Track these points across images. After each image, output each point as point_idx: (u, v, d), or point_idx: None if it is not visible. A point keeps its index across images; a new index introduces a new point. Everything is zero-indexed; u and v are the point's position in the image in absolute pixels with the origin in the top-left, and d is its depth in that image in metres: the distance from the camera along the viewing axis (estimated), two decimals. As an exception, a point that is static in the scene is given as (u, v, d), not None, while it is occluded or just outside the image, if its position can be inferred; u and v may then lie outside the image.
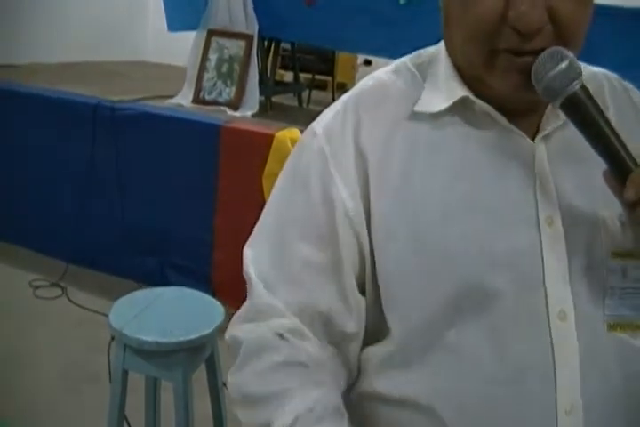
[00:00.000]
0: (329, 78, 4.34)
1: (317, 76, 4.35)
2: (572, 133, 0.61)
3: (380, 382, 0.64)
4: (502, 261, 0.61)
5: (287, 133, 2.41)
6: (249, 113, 2.83)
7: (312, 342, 0.63)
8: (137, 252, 2.69)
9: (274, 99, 3.14)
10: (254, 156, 2.44)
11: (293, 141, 2.38)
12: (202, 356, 1.46)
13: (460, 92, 0.65)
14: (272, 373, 0.61)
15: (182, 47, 3.11)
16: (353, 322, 0.65)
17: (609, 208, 0.62)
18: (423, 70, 0.71)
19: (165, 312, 1.46)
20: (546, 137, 0.65)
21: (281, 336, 0.62)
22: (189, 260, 2.63)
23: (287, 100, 3.49)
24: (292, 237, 0.67)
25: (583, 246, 0.63)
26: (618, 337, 0.61)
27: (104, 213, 2.75)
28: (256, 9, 2.76)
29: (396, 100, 0.69)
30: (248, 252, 0.71)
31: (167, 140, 2.58)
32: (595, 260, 0.62)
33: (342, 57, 4.19)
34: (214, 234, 2.60)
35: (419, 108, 0.67)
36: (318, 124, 0.71)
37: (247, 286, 0.70)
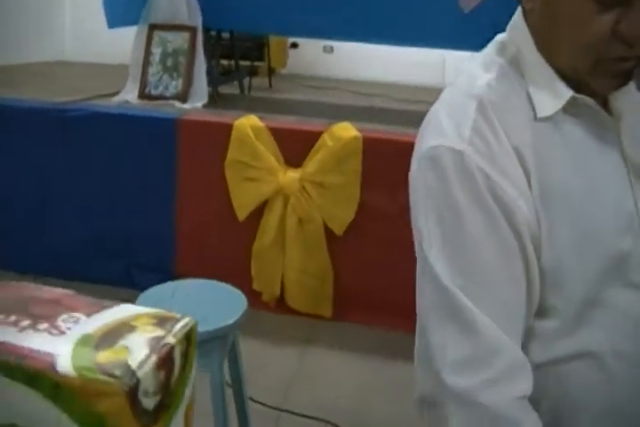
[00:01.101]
0: (263, 64, 4.45)
1: (244, 62, 4.46)
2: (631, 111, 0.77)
3: (553, 350, 0.75)
4: (628, 229, 0.75)
5: (246, 121, 2.50)
6: (199, 104, 2.90)
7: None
8: (101, 256, 2.73)
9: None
10: (214, 146, 2.53)
11: (253, 128, 2.48)
12: (227, 346, 1.53)
13: (567, 92, 0.75)
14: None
15: (102, 44, 3.12)
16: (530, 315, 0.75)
17: None
18: (515, 67, 0.79)
19: (190, 303, 1.53)
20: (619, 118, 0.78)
21: (520, 404, 0.70)
22: (153, 257, 2.69)
23: (229, 88, 3.56)
24: (482, 254, 0.72)
25: None
26: None
27: (62, 220, 2.77)
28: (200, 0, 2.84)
29: (516, 103, 0.77)
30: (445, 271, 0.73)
31: (122, 138, 2.62)
32: None
33: (273, 42, 4.29)
34: (177, 229, 2.68)
35: (541, 113, 0.75)
36: (455, 140, 0.73)
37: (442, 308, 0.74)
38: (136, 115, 2.64)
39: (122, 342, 0.34)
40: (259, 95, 3.61)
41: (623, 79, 0.73)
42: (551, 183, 0.73)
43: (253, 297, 2.59)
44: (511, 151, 0.73)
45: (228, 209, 2.55)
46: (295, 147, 2.52)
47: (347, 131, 2.49)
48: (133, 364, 0.33)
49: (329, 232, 2.58)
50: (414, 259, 2.69)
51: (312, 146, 2.52)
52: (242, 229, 2.57)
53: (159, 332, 0.36)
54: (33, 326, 0.35)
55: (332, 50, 4.88)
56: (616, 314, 0.74)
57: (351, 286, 2.64)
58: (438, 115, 0.78)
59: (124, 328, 0.36)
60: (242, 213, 2.54)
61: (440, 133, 0.75)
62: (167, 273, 2.57)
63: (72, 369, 0.32)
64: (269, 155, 2.49)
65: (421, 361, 0.84)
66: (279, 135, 2.50)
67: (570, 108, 0.75)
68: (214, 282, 1.65)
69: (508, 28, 0.82)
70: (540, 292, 0.74)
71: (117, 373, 0.32)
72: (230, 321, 1.45)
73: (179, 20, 2.96)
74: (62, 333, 0.35)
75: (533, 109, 0.75)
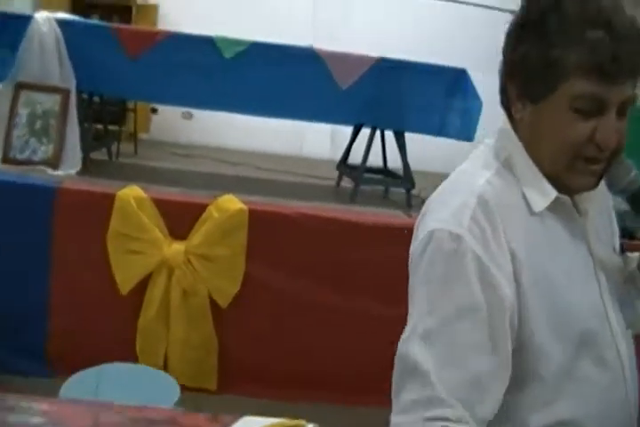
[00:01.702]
0: (126, 129, 4.43)
1: (111, 127, 4.40)
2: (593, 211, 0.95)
3: (534, 418, 0.86)
4: (594, 311, 0.91)
5: (129, 192, 2.49)
6: (72, 171, 2.83)
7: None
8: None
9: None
10: (94, 217, 2.47)
11: (137, 199, 2.47)
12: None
13: (552, 191, 0.91)
14: None
15: None
16: (504, 385, 0.84)
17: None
18: (509, 169, 0.93)
19: (118, 390, 1.46)
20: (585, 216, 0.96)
21: None
22: (24, 338, 2.51)
23: (98, 154, 3.51)
24: (464, 330, 0.82)
25: (614, 288, 0.96)
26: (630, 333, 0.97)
27: None
28: (74, 62, 2.79)
29: (513, 201, 0.91)
30: (416, 346, 0.83)
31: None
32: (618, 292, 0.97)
33: (139, 107, 4.31)
34: (50, 305, 2.54)
35: (535, 209, 0.90)
36: (454, 225, 0.86)
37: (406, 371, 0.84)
38: (6, 180, 2.50)
39: None
40: (126, 162, 3.58)
41: (596, 180, 0.90)
42: (536, 270, 0.87)
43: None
44: (505, 246, 0.86)
45: (110, 283, 2.48)
46: (180, 219, 2.54)
47: (232, 203, 2.57)
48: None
49: (214, 304, 2.59)
50: (298, 330, 2.82)
51: (197, 218, 2.56)
52: (125, 304, 2.50)
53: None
54: None
55: (190, 116, 4.99)
56: (588, 386, 0.88)
57: (236, 358, 2.65)
58: (441, 203, 0.92)
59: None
60: (125, 287, 2.48)
61: (443, 219, 0.88)
62: (39, 355, 2.40)
63: None
64: (153, 227, 2.48)
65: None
66: (163, 207, 2.51)
67: (552, 206, 0.91)
68: (136, 366, 1.61)
69: (497, 135, 0.98)
70: (523, 363, 0.86)
71: None
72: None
73: (50, 80, 2.90)
74: None
75: (528, 205, 0.91)
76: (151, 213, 2.49)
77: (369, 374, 2.83)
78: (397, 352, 0.86)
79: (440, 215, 0.89)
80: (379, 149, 3.58)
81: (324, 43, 3.56)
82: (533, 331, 0.86)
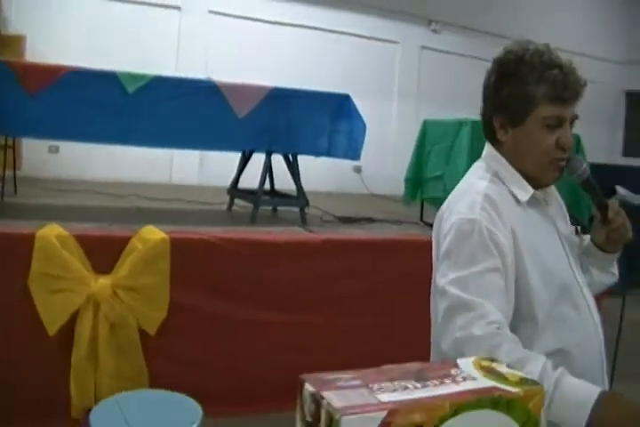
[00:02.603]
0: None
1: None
2: (552, 202, 1.35)
3: (535, 349, 1.17)
4: (566, 272, 1.26)
5: (49, 230, 2.49)
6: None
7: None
8: None
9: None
10: (11, 260, 2.43)
11: (58, 237, 2.48)
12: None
13: (530, 189, 1.29)
14: (511, 352, 1.08)
15: None
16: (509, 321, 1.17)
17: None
18: (497, 178, 1.29)
19: (145, 416, 1.50)
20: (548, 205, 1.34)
21: (498, 329, 1.10)
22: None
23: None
24: (482, 269, 1.16)
25: (576, 258, 1.33)
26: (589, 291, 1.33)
27: None
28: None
29: (505, 196, 1.26)
30: (453, 287, 1.15)
31: None
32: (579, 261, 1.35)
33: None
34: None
35: (521, 199, 1.27)
36: (472, 214, 1.20)
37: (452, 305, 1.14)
38: None
39: (503, 373, 0.66)
40: (12, 201, 3.45)
41: (560, 174, 1.29)
42: (526, 243, 1.23)
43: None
44: (507, 224, 1.22)
45: (36, 325, 2.44)
46: (103, 253, 2.58)
47: (154, 234, 2.67)
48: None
49: (143, 334, 2.65)
50: (227, 352, 3.00)
51: (119, 251, 2.61)
52: (54, 345, 2.48)
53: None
54: (454, 380, 0.64)
55: (57, 150, 4.87)
56: (568, 322, 1.21)
57: (167, 384, 2.69)
58: (457, 202, 1.26)
59: (490, 373, 0.67)
60: (52, 328, 2.47)
61: (461, 211, 1.22)
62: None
63: (518, 389, 0.63)
64: (78, 264, 2.51)
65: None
66: (86, 243, 2.54)
67: (530, 200, 1.29)
68: (158, 392, 1.67)
69: (483, 158, 1.36)
70: (521, 307, 1.19)
71: (532, 384, 0.64)
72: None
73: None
74: (469, 379, 0.65)
75: (515, 198, 1.28)
76: (74, 250, 2.51)
77: None
78: (441, 296, 1.18)
79: (459, 209, 1.23)
80: (256, 171, 3.82)
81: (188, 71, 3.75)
82: (529, 283, 1.19)
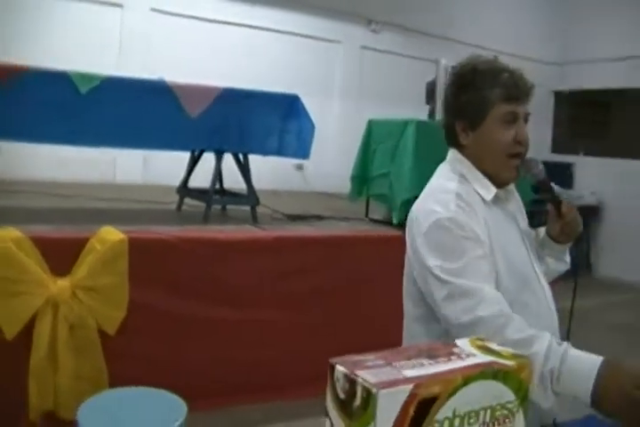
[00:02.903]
0: None
1: None
2: (512, 200, 1.49)
3: None
4: (526, 263, 1.41)
5: (5, 234, 2.48)
6: None
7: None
8: None
9: None
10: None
11: (15, 240, 2.46)
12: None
13: (493, 189, 1.42)
14: (518, 330, 1.21)
15: None
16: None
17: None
18: (464, 178, 1.42)
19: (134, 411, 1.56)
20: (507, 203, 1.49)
21: (501, 310, 1.24)
22: None
23: None
24: (473, 256, 1.29)
25: (534, 250, 1.48)
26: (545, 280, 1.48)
27: None
28: None
29: (472, 195, 1.38)
30: (450, 276, 1.27)
31: None
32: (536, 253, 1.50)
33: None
34: None
35: (486, 199, 1.40)
36: (448, 212, 1.32)
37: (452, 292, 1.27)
38: None
39: (497, 350, 0.77)
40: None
41: (516, 174, 1.42)
42: (494, 237, 1.37)
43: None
44: (481, 219, 1.36)
45: (-7, 329, 2.42)
46: (60, 255, 2.57)
47: (112, 234, 2.68)
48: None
49: (103, 334, 2.66)
50: (185, 350, 3.05)
51: (78, 252, 2.61)
52: (12, 349, 2.45)
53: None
54: (459, 357, 0.74)
55: (-2, 151, 4.73)
56: (529, 309, 1.35)
57: (127, 383, 2.70)
58: (432, 203, 1.37)
59: (486, 350, 0.78)
60: (11, 332, 2.45)
61: (438, 211, 1.33)
62: None
63: (512, 362, 0.74)
64: (36, 266, 2.49)
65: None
66: (43, 245, 2.53)
67: (494, 198, 1.42)
68: (142, 390, 1.72)
69: (449, 161, 1.48)
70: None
71: (522, 358, 0.74)
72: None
73: None
74: (470, 355, 0.75)
75: (481, 197, 1.40)
76: (31, 253, 2.49)
77: (268, 376, 3.11)
78: (440, 285, 1.29)
79: (435, 209, 1.35)
80: (201, 171, 3.85)
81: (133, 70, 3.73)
82: (499, 273, 1.33)
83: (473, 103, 1.38)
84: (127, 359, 2.74)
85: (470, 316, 1.23)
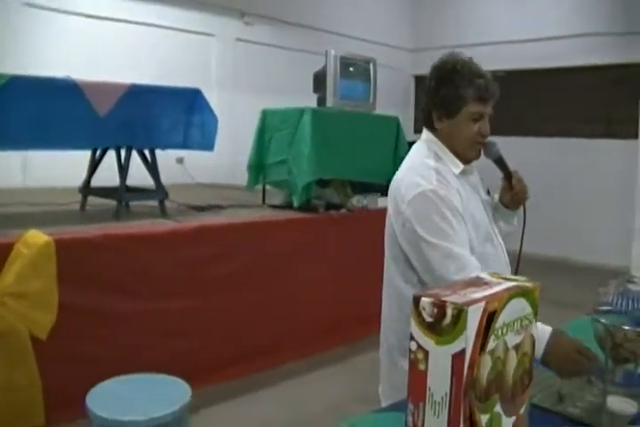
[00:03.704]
0: None
1: None
2: (473, 174, 1.78)
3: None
4: (487, 223, 1.70)
5: None
6: None
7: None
8: None
9: None
10: None
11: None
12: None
13: (460, 164, 1.69)
14: None
15: None
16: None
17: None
18: (437, 157, 1.67)
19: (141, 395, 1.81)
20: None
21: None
22: None
23: None
24: (455, 223, 1.55)
25: (491, 213, 1.77)
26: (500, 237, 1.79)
27: None
28: None
29: (446, 170, 1.65)
30: (440, 240, 1.52)
31: None
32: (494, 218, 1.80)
33: None
34: None
35: (456, 171, 1.66)
36: (431, 185, 1.57)
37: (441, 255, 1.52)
38: None
39: (511, 278, 1.01)
40: None
41: (479, 153, 1.71)
42: (464, 204, 1.61)
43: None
44: (455, 190, 1.62)
45: None
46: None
47: (38, 237, 2.65)
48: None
49: (34, 339, 2.62)
50: (118, 346, 3.12)
51: (4, 259, 2.55)
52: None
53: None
54: (494, 284, 0.97)
55: None
56: (490, 258, 1.62)
57: (61, 385, 2.70)
58: (411, 178, 1.61)
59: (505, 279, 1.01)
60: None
61: (421, 184, 1.58)
62: None
63: (529, 284, 0.98)
64: (-39, 275, 2.41)
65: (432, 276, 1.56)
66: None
67: (461, 173, 1.69)
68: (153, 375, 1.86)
69: (424, 141, 1.73)
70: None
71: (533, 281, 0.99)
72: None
73: None
74: (500, 283, 0.99)
75: (452, 172, 1.67)
76: (-45, 262, 2.40)
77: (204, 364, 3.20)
78: (432, 248, 1.53)
79: (419, 182, 1.59)
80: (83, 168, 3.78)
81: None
82: (469, 232, 1.60)
83: (450, 98, 1.62)
84: (60, 361, 2.71)
85: (462, 275, 1.45)
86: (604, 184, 6.72)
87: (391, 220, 1.66)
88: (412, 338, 0.89)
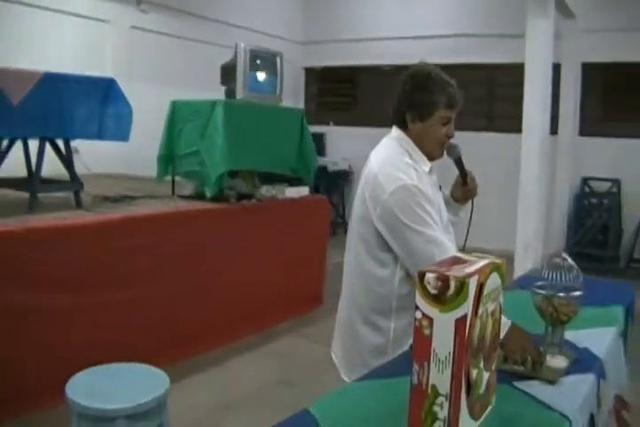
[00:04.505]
0: None
1: None
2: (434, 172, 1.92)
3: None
4: (444, 214, 1.89)
5: None
6: None
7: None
8: None
9: None
10: None
11: None
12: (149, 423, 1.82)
13: (428, 163, 1.86)
14: None
15: None
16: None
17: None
18: (409, 154, 1.81)
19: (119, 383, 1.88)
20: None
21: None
22: None
23: None
24: (433, 213, 1.72)
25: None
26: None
27: None
28: None
29: (418, 167, 1.79)
30: (424, 228, 1.68)
31: None
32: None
33: None
34: None
35: (426, 169, 1.83)
36: (412, 180, 1.70)
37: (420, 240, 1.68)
38: None
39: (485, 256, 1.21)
40: None
41: (443, 153, 1.88)
42: (431, 196, 1.75)
43: None
44: (428, 186, 1.78)
45: None
46: None
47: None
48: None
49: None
50: (41, 343, 3.14)
51: None
52: None
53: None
54: (475, 262, 1.15)
55: None
56: (448, 245, 1.75)
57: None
58: (391, 171, 1.74)
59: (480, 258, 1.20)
60: None
61: (403, 178, 1.72)
62: None
63: (499, 260, 1.18)
64: None
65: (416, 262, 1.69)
66: None
67: (429, 171, 1.86)
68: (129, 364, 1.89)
69: (395, 138, 1.86)
70: None
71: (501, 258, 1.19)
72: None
73: None
74: (479, 260, 1.18)
75: (422, 169, 1.82)
76: None
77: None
78: (417, 235, 1.68)
79: (400, 177, 1.72)
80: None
81: None
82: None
83: (425, 103, 1.78)
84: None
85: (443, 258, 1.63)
86: (491, 176, 7.25)
87: (366, 204, 1.78)
88: (416, 308, 1.05)
